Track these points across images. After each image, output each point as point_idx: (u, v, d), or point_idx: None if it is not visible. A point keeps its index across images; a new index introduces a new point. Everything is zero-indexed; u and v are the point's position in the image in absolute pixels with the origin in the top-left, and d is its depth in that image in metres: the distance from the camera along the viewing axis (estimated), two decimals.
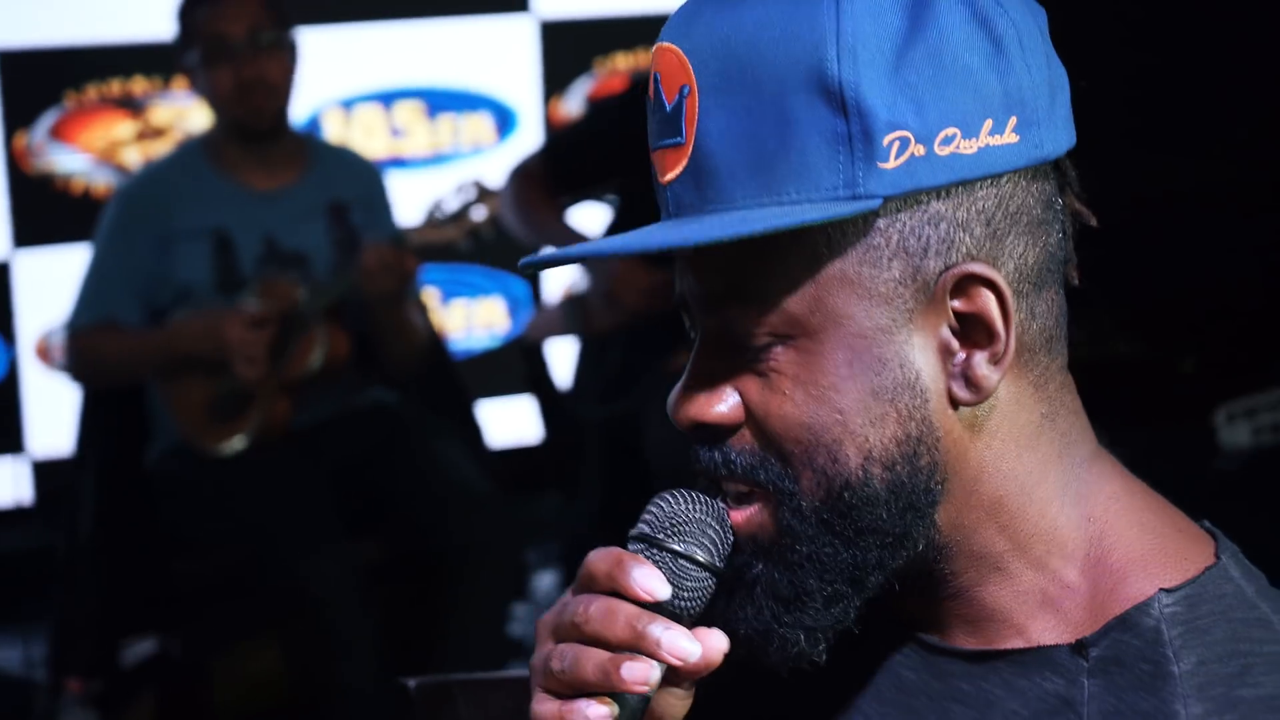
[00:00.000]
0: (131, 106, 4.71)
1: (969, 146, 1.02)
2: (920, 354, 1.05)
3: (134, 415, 3.65)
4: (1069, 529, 1.09)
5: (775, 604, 1.07)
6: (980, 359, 1.05)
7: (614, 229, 4.10)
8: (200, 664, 3.66)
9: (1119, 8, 5.13)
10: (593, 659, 1.04)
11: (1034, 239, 1.06)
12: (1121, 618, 1.07)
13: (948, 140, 1.02)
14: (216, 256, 3.58)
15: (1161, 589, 1.07)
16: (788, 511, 1.06)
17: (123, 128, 4.71)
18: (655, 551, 1.07)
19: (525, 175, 3.97)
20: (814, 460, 1.05)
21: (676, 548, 1.06)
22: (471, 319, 5.08)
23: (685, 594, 1.06)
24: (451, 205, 3.55)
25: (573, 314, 3.99)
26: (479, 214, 3.54)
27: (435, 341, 3.90)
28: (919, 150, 1.02)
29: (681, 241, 1.03)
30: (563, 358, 4.34)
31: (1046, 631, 1.09)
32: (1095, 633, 1.07)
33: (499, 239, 3.75)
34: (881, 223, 1.03)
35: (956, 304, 1.04)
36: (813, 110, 1.02)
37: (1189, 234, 4.84)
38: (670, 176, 1.07)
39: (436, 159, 4.99)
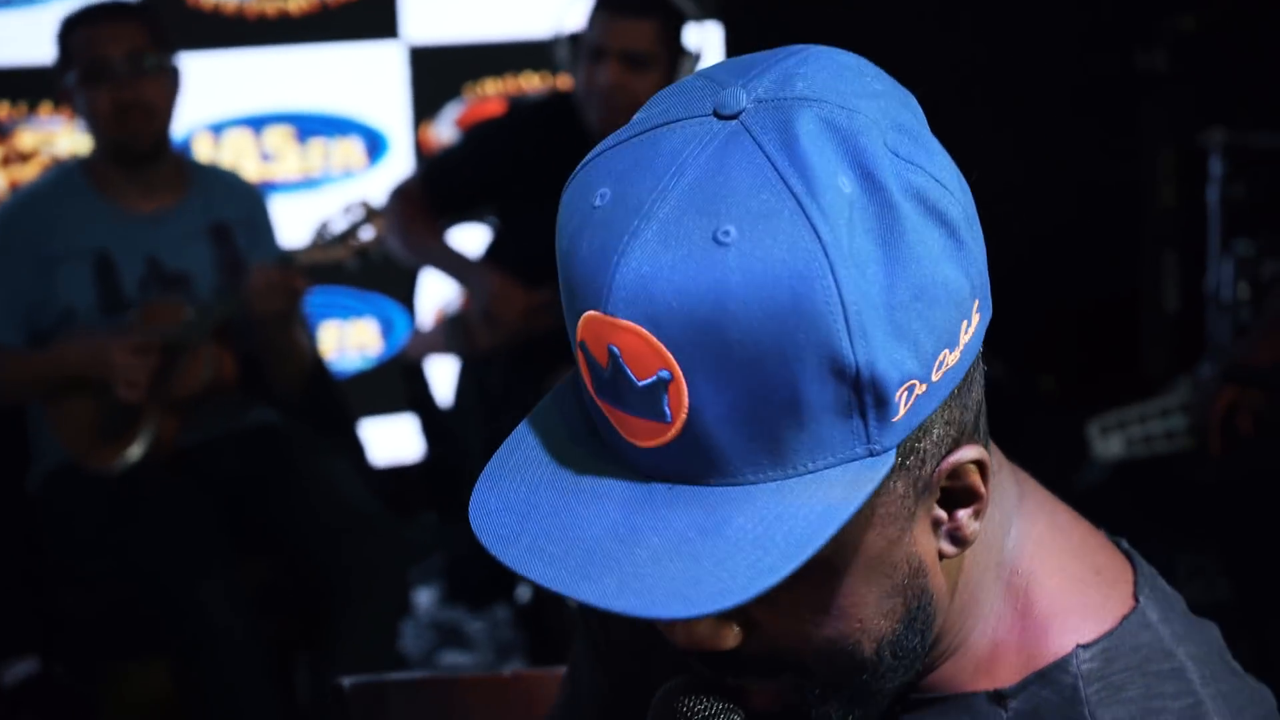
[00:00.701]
0: None
1: (953, 358, 1.00)
2: (920, 541, 1.05)
3: (14, 438, 3.61)
4: (1000, 591, 1.12)
5: None
6: (965, 517, 1.05)
7: (494, 249, 4.14)
8: (85, 685, 3.63)
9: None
10: None
11: (979, 371, 1.06)
12: (1040, 673, 1.10)
13: (940, 365, 0.99)
14: (99, 278, 3.56)
15: (1079, 645, 1.09)
16: (807, 694, 1.07)
17: None
18: None
19: (404, 195, 4.00)
20: (834, 662, 1.05)
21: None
22: (344, 340, 5.09)
23: None
24: (339, 225, 3.56)
25: (454, 333, 4.02)
26: (367, 234, 3.56)
27: (318, 361, 3.91)
28: (921, 389, 0.98)
29: (748, 592, 0.93)
30: (443, 376, 4.36)
31: (973, 683, 1.12)
32: (1014, 685, 1.10)
33: (379, 260, 3.78)
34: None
35: (947, 486, 1.04)
36: (825, 389, 0.95)
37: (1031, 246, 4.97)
38: (646, 445, 0.98)
39: (307, 183, 4.99)
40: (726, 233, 0.94)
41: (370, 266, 3.85)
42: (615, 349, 0.96)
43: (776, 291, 0.93)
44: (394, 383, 4.49)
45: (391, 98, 5.06)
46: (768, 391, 0.94)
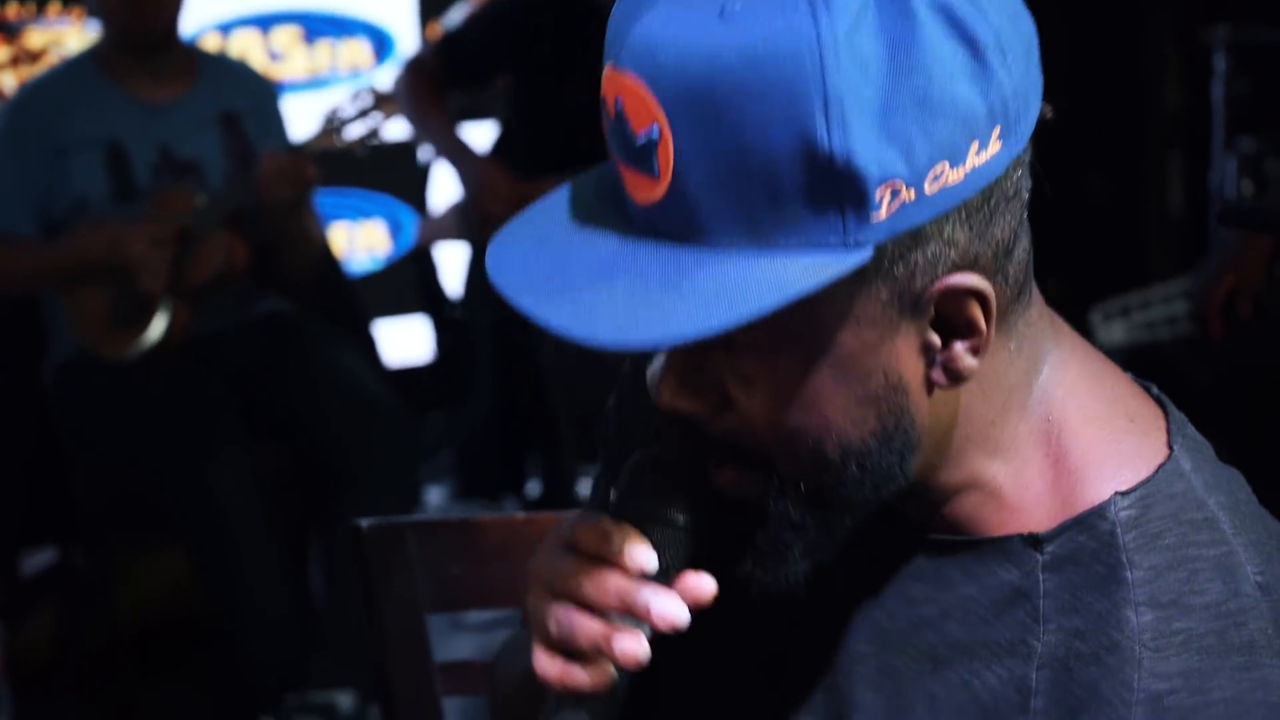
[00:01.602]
0: (5, 31, 4.68)
1: (957, 175, 1.01)
2: (904, 359, 1.05)
3: (29, 327, 3.65)
4: (1028, 435, 1.12)
5: (755, 556, 1.09)
6: (962, 350, 1.06)
7: (500, 143, 4.16)
8: (103, 573, 3.68)
9: None
10: (586, 631, 1.07)
11: (1009, 211, 1.05)
12: (1078, 519, 1.10)
13: (937, 177, 1.00)
14: (110, 167, 3.58)
15: (1117, 492, 1.10)
16: (767, 485, 1.08)
17: None
18: (639, 522, 1.09)
19: (416, 66, 4.03)
20: (795, 452, 1.06)
21: (663, 514, 1.09)
22: (353, 241, 5.11)
23: (670, 555, 1.08)
24: (348, 112, 3.58)
25: (465, 219, 4.04)
26: (376, 120, 3.58)
27: (329, 254, 3.94)
28: (909, 195, 1.00)
29: (677, 335, 1.00)
30: (453, 269, 4.39)
31: (1005, 529, 1.12)
32: (1051, 530, 1.10)
33: (385, 161, 3.79)
34: (872, 259, 1.02)
35: (940, 309, 1.05)
36: (802, 175, 0.98)
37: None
38: (644, 202, 1.03)
39: (314, 83, 5.00)
40: (733, 5, 0.99)
41: (378, 165, 3.87)
42: (619, 101, 1.02)
43: (764, 68, 0.98)
44: (403, 284, 4.52)
45: None
46: (747, 163, 0.99)
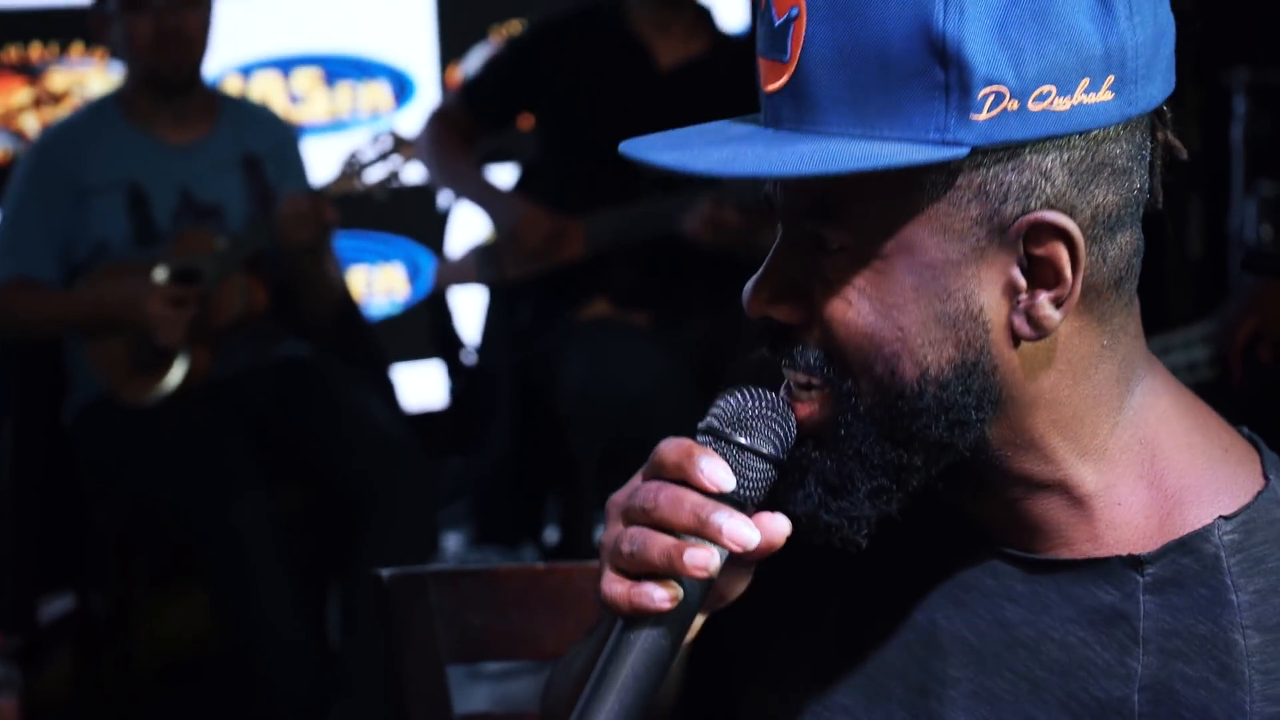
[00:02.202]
0: (29, 73, 4.71)
1: (1063, 104, 1.04)
2: (986, 289, 1.08)
3: (51, 369, 3.66)
4: (1120, 451, 1.12)
5: (823, 490, 1.11)
6: (1045, 299, 1.08)
7: (523, 184, 4.17)
8: (122, 616, 3.67)
9: None
10: (659, 544, 1.08)
11: (1117, 186, 1.08)
12: (1181, 541, 1.10)
13: (1042, 97, 1.04)
14: (132, 210, 3.60)
15: (1221, 516, 1.10)
16: (844, 409, 1.10)
17: (20, 94, 4.70)
18: (722, 444, 1.11)
19: (441, 116, 4.03)
20: (872, 369, 1.09)
21: (742, 441, 1.11)
22: (372, 285, 5.13)
23: (748, 484, 1.10)
24: (368, 156, 3.59)
25: (484, 261, 4.04)
26: (396, 163, 3.59)
27: (349, 297, 3.95)
28: (1012, 105, 1.04)
29: (769, 171, 1.07)
30: (471, 318, 4.39)
31: (1099, 549, 1.12)
32: (1153, 552, 1.10)
33: (404, 205, 3.80)
34: (967, 166, 1.06)
35: (1029, 247, 1.07)
36: (914, 55, 1.04)
37: None
38: (772, 88, 1.09)
39: (335, 126, 5.02)
40: None
41: (398, 209, 3.88)
42: None
43: None
44: (421, 328, 4.52)
45: (419, 40, 5.09)
46: (866, 39, 1.05)
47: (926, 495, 1.13)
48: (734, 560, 1.11)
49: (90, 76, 4.63)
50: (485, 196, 4.04)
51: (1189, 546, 1.10)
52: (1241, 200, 4.75)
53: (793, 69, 1.07)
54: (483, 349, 4.22)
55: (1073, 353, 1.10)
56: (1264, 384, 3.58)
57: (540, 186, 4.03)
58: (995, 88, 1.03)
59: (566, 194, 3.92)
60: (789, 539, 1.11)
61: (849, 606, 1.20)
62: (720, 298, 3.51)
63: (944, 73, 1.04)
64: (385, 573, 1.81)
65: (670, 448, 1.10)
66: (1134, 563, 1.11)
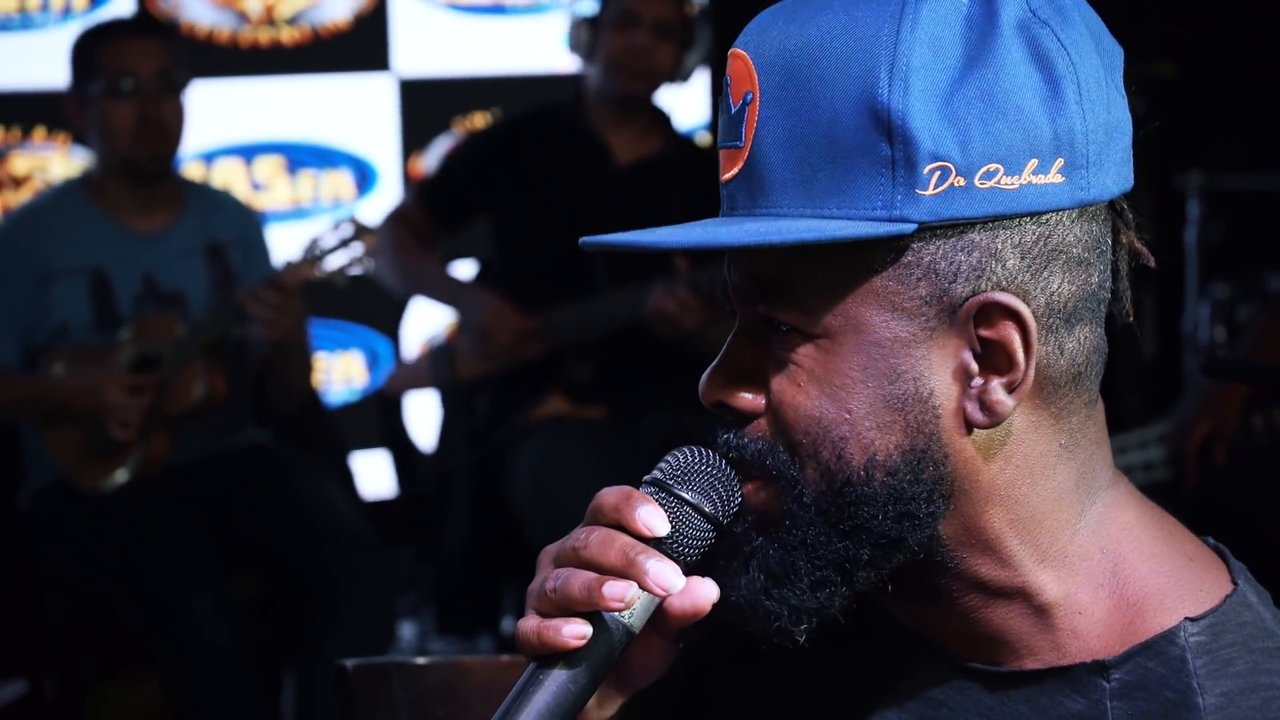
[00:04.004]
0: None
1: (1010, 183, 1.04)
2: (937, 372, 1.07)
3: (8, 452, 3.64)
4: (1081, 560, 1.11)
5: (766, 578, 1.09)
6: (997, 385, 1.07)
7: (483, 279, 4.18)
8: (74, 702, 3.64)
9: None
10: (580, 579, 1.07)
11: (1072, 276, 1.07)
12: (1146, 644, 1.09)
13: (989, 175, 1.04)
14: (94, 295, 3.59)
15: (1187, 618, 1.09)
16: (790, 497, 1.09)
17: None
18: (664, 495, 1.11)
19: (399, 217, 4.04)
20: (819, 454, 1.08)
21: (684, 495, 1.10)
22: (331, 372, 5.12)
23: (685, 540, 1.10)
24: (329, 242, 3.59)
25: (438, 363, 4.04)
26: (357, 251, 3.59)
27: (310, 385, 3.94)
28: (959, 181, 1.04)
29: (713, 242, 1.08)
30: (421, 412, 4.38)
31: (1063, 657, 1.11)
32: (1117, 656, 1.09)
33: (363, 292, 3.79)
34: (915, 244, 1.06)
35: (979, 328, 1.06)
36: (860, 130, 1.05)
37: None
38: (727, 176, 1.11)
39: (297, 213, 5.04)
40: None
41: (357, 297, 3.87)
42: (728, 81, 1.11)
43: (849, 37, 1.06)
44: (372, 418, 4.52)
45: (381, 130, 5.11)
46: (817, 115, 1.06)
47: (889, 618, 1.13)
48: (659, 628, 1.10)
49: (52, 161, 4.63)
50: (453, 293, 4.04)
51: (1154, 649, 1.09)
52: (1195, 302, 4.79)
53: (746, 153, 1.09)
54: (440, 442, 4.22)
55: (1029, 448, 1.09)
56: (1219, 484, 3.61)
57: (496, 283, 4.03)
58: (941, 163, 1.04)
59: (522, 290, 3.93)
60: (756, 659, 1.10)
61: None
62: (677, 392, 3.52)
63: (889, 147, 1.04)
64: (348, 663, 1.81)
65: (610, 493, 1.11)
66: (1099, 669, 1.10)
